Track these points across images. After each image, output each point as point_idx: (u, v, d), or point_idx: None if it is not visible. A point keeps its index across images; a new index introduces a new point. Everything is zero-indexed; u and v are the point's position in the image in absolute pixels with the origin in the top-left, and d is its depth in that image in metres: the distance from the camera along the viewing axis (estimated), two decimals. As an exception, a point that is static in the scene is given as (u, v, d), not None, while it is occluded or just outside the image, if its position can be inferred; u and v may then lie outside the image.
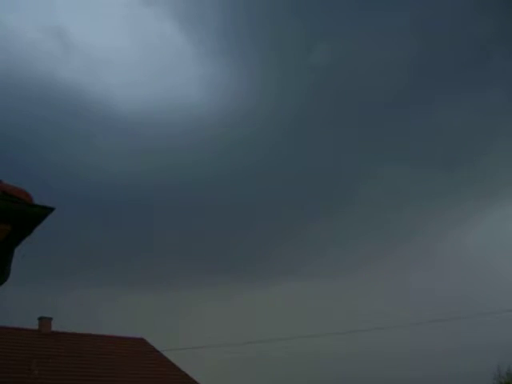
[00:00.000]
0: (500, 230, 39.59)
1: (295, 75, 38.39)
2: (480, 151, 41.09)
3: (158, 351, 22.40)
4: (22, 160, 29.03)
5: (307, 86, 38.33)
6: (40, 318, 20.90)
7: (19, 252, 6.64)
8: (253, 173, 40.02)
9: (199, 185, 38.11)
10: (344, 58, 37.19)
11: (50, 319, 21.09)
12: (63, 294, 32.62)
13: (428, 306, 36.93)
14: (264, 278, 41.18)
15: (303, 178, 41.35)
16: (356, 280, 40.29)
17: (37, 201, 6.14)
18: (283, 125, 39.14)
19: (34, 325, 20.89)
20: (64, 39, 36.82)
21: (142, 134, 37.58)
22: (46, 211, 6.02)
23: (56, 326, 21.12)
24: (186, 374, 20.87)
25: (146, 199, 37.46)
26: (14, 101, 31.87)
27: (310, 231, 41.95)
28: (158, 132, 37.62)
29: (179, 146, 37.32)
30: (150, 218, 38.32)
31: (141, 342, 22.85)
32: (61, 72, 36.84)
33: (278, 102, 38.43)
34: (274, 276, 40.97)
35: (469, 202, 41.69)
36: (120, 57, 40.14)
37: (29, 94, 33.12)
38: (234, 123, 37.58)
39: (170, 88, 39.00)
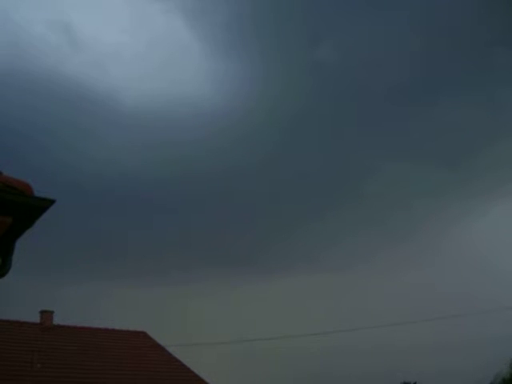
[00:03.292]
0: (502, 226, 39.54)
1: (298, 71, 38.32)
2: (482, 148, 41.03)
3: (159, 344, 22.41)
4: (26, 153, 29.04)
5: (310, 81, 38.28)
6: (41, 312, 20.90)
7: (20, 244, 6.61)
8: (255, 169, 40.03)
9: (205, 178, 38.10)
10: (346, 55, 37.13)
11: (52, 312, 21.09)
12: (64, 288, 32.68)
13: (430, 302, 36.95)
14: (265, 273, 41.21)
15: (306, 174, 41.32)
16: (358, 275, 40.29)
17: (42, 195, 6.10)
18: (286, 120, 39.11)
19: (35, 318, 20.91)
20: (71, 34, 36.82)
21: (148, 128, 37.58)
22: (46, 203, 5.98)
23: (57, 320, 21.14)
24: (188, 368, 20.87)
25: (148, 193, 37.49)
26: (21, 95, 31.89)
27: (312, 227, 41.95)
28: (163, 126, 37.61)
29: (185, 139, 37.29)
30: (152, 211, 38.34)
31: (142, 336, 22.85)
32: (68, 66, 36.84)
33: (281, 97, 38.36)
34: (274, 272, 41.01)
35: (471, 198, 41.68)
36: (126, 51, 40.13)
37: (36, 88, 33.13)
38: (238, 117, 37.56)
39: (176, 82, 38.98)
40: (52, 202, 6.01)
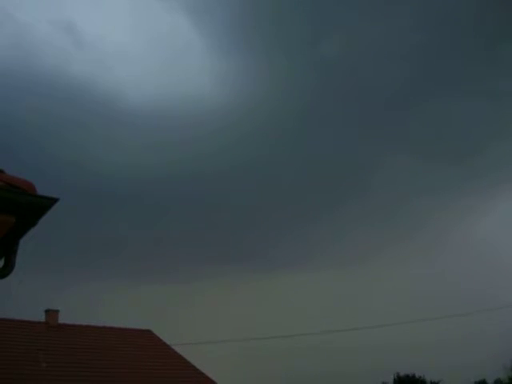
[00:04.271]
0: (509, 221, 39.43)
1: (301, 68, 38.26)
2: (487, 143, 40.88)
3: (164, 343, 22.41)
4: (27, 152, 29.09)
5: (313, 78, 38.20)
6: (47, 311, 20.92)
7: (24, 243, 6.59)
8: (258, 167, 39.99)
9: (206, 177, 38.07)
10: (349, 51, 37.05)
11: (57, 311, 21.10)
12: (69, 287, 32.75)
13: (436, 299, 36.85)
14: (269, 270, 41.16)
15: (309, 171, 41.27)
16: (364, 270, 40.22)
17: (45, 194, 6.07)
18: (290, 117, 39.06)
19: (40, 317, 20.92)
20: (74, 34, 36.87)
21: (150, 127, 37.54)
22: (50, 202, 5.94)
23: (63, 319, 21.15)
24: (194, 366, 20.85)
25: (150, 192, 37.48)
26: (25, 95, 31.91)
27: (318, 222, 41.89)
28: (166, 124, 37.58)
29: (187, 138, 37.24)
30: (155, 210, 38.34)
31: (148, 334, 22.85)
32: (71, 66, 36.87)
33: (285, 94, 38.31)
34: (278, 269, 40.95)
35: (478, 192, 41.56)
36: (130, 50, 40.20)
37: (39, 88, 33.15)
38: (242, 115, 37.52)
39: (180, 80, 38.98)
40: (55, 200, 5.98)
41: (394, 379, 37.55)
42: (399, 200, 42.56)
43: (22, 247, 6.56)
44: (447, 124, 39.78)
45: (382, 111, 39.40)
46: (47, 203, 5.94)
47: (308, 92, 38.02)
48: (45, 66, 34.80)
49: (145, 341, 22.18)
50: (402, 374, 37.25)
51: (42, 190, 6.07)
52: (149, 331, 23.07)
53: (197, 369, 20.67)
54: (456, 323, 32.89)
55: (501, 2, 28.19)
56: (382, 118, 39.68)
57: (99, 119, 35.88)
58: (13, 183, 5.82)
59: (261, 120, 38.21)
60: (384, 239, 41.26)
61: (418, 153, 41.36)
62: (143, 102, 38.23)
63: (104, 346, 20.33)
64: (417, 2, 34.04)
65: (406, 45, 35.92)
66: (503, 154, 39.20)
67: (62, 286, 31.68)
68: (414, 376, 37.16)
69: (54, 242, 27.46)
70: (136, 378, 18.70)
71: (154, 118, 37.58)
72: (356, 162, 41.49)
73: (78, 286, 33.37)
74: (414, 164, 41.37)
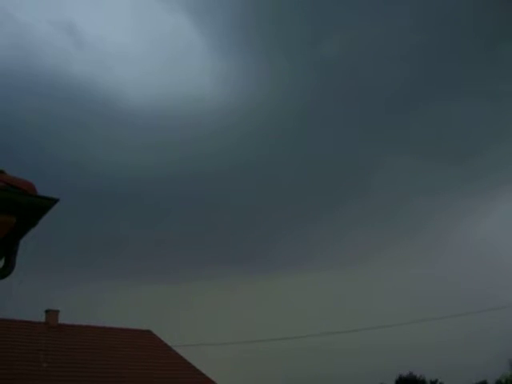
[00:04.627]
0: (509, 222, 39.40)
1: (302, 68, 38.25)
2: (487, 144, 40.86)
3: (164, 343, 22.41)
4: (27, 152, 29.10)
5: (314, 78, 38.19)
6: (47, 311, 20.92)
7: (24, 244, 6.59)
8: (258, 167, 39.99)
9: (206, 177, 38.04)
10: (349, 51, 37.03)
11: (57, 312, 21.11)
12: (70, 287, 32.73)
13: (437, 299, 36.82)
14: (269, 271, 41.12)
15: (308, 172, 41.26)
16: (364, 270, 40.20)
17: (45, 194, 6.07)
18: (291, 118, 39.05)
19: (40, 317, 20.92)
20: (75, 34, 36.86)
21: (151, 127, 37.53)
22: (50, 202, 5.95)
23: (63, 319, 21.16)
24: (194, 367, 20.84)
25: (150, 192, 37.47)
26: (25, 96, 31.89)
27: (318, 222, 41.86)
28: (166, 125, 37.55)
29: (187, 138, 37.23)
30: (154, 210, 38.34)
31: (148, 335, 22.86)
32: (72, 66, 36.85)
33: (285, 95, 38.29)
34: (278, 269, 40.91)
35: (478, 193, 41.54)
36: (131, 50, 40.17)
37: (40, 89, 33.15)
38: (243, 115, 37.51)
39: (181, 81, 38.96)
40: (56, 200, 5.99)
41: (396, 381, 37.58)
42: (399, 200, 42.60)
43: (22, 247, 6.57)
44: (447, 124, 39.82)
45: (382, 112, 39.46)
46: (47, 203, 5.95)
47: (308, 92, 38.05)
48: (45, 65, 34.85)
49: (145, 341, 22.19)
50: (402, 374, 37.36)
51: (42, 190, 6.08)
52: (149, 331, 23.08)
53: (197, 369, 20.66)
54: (456, 323, 32.89)
55: (501, 2, 28.18)
56: (382, 119, 39.76)
57: (99, 119, 35.92)
58: (13, 184, 5.83)
59: (261, 120, 38.25)
60: (384, 239, 41.29)
61: (419, 153, 41.38)
62: (144, 102, 38.29)
63: (104, 346, 20.34)
64: (417, 2, 34.05)
65: (405, 45, 35.98)
66: (503, 154, 39.20)
67: (62, 286, 31.69)
68: (415, 376, 37.24)
69: (55, 242, 27.48)
70: (136, 378, 18.70)
71: (155, 118, 37.62)
72: (356, 162, 41.52)
73: (78, 286, 33.38)
74: (414, 164, 41.38)
